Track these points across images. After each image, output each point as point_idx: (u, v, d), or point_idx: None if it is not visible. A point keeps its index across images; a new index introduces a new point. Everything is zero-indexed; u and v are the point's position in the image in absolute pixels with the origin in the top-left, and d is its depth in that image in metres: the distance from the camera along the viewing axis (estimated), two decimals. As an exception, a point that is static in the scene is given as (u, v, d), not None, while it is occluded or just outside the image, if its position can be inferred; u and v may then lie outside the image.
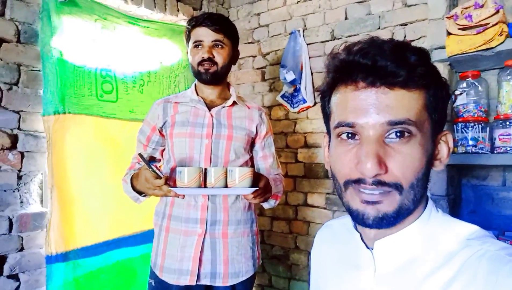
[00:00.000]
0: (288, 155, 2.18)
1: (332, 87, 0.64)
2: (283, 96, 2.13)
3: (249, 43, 2.36)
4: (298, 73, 2.01)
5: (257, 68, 2.33)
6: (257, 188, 1.22)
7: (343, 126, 0.60)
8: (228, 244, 1.37)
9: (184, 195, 1.30)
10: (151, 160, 1.33)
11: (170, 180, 1.32)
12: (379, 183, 0.57)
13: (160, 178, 1.20)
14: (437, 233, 0.61)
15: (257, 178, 1.26)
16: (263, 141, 1.51)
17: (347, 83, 0.60)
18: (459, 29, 1.46)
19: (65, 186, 1.56)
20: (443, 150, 0.63)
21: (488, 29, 1.39)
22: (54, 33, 1.53)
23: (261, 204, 1.38)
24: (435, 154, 0.62)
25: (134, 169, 1.42)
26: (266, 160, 1.51)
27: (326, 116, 0.67)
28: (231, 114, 1.44)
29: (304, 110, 2.09)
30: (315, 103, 2.05)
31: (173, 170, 1.38)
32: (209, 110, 1.40)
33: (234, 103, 1.44)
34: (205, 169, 1.23)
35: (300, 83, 2.02)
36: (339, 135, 0.62)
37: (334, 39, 2.00)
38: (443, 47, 1.50)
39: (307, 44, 2.07)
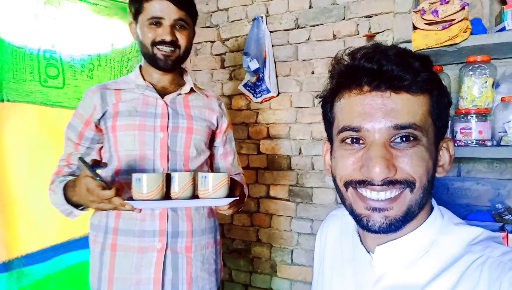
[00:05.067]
0: (250, 146, 2.11)
1: (335, 93, 0.63)
2: (245, 85, 2.05)
3: (207, 27, 2.23)
4: (262, 62, 1.94)
5: (216, 55, 2.22)
6: (236, 198, 1.03)
7: (348, 130, 0.59)
8: (192, 259, 1.18)
9: (141, 209, 1.06)
10: (95, 164, 1.00)
11: (121, 189, 1.04)
12: (390, 183, 0.56)
13: (109, 188, 0.96)
14: (440, 239, 0.60)
15: (232, 185, 1.06)
16: (224, 136, 1.33)
17: (351, 88, 0.59)
18: (425, 23, 1.49)
19: (5, 185, 1.37)
20: (445, 157, 0.64)
21: (453, 25, 1.43)
22: (-13, 7, 1.30)
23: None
24: (437, 161, 0.62)
25: (63, 175, 1.16)
26: (227, 158, 1.35)
27: (328, 123, 0.66)
28: (188, 103, 1.23)
29: (267, 100, 2.03)
30: (278, 93, 2.00)
31: (117, 173, 1.15)
32: (162, 98, 1.19)
33: (191, 90, 1.25)
34: (167, 175, 1.01)
35: (263, 72, 1.96)
36: (343, 140, 0.60)
37: (298, 28, 1.96)
38: (408, 41, 1.52)
39: (270, 32, 2.00)
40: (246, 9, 2.10)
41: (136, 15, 1.16)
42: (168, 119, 1.17)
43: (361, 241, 0.68)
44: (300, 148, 1.98)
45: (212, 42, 2.22)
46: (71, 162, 1.18)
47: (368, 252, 0.65)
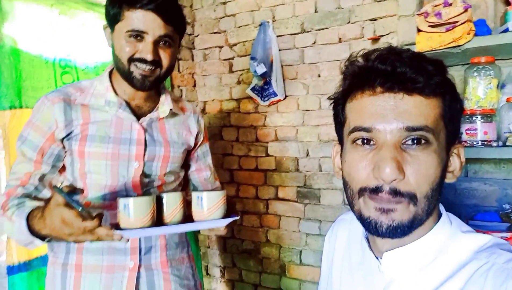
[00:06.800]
0: (259, 149, 2.15)
1: (348, 93, 0.63)
2: (253, 89, 2.09)
3: (215, 33, 2.28)
4: (269, 66, 1.98)
5: (224, 59, 2.26)
6: (237, 217, 0.93)
7: (359, 130, 0.59)
8: (170, 275, 1.10)
9: (129, 239, 0.94)
10: (71, 191, 0.84)
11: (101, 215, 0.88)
12: (395, 192, 0.56)
13: (91, 218, 0.81)
14: (447, 246, 0.61)
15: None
16: (196, 152, 1.23)
17: (363, 89, 0.60)
18: (429, 26, 1.51)
19: (24, 189, 1.41)
20: (456, 163, 0.64)
21: (457, 27, 1.44)
22: (5, 20, 1.37)
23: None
24: (447, 166, 0.62)
25: (17, 197, 0.96)
26: (201, 173, 1.25)
27: (339, 124, 0.66)
28: (164, 125, 1.10)
29: (274, 104, 2.07)
30: (286, 96, 2.04)
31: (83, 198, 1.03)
32: (137, 119, 1.05)
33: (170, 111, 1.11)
34: (157, 197, 0.89)
35: (270, 76, 1.99)
36: (354, 141, 0.61)
37: (304, 32, 1.99)
38: (413, 44, 1.54)
39: (277, 36, 2.04)
40: (253, 15, 2.14)
41: (113, 21, 0.98)
42: (146, 147, 1.05)
43: (369, 247, 0.68)
44: (307, 150, 2.01)
45: (220, 47, 2.27)
46: (30, 182, 1.00)
47: (377, 258, 0.66)
